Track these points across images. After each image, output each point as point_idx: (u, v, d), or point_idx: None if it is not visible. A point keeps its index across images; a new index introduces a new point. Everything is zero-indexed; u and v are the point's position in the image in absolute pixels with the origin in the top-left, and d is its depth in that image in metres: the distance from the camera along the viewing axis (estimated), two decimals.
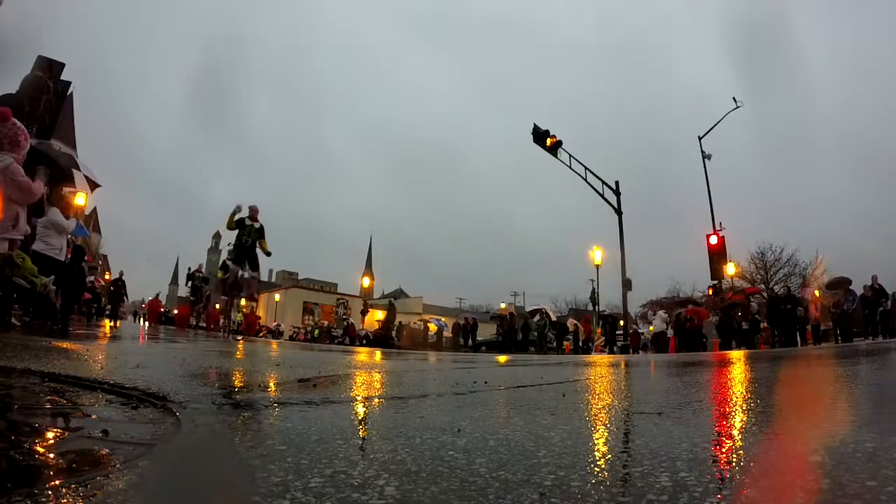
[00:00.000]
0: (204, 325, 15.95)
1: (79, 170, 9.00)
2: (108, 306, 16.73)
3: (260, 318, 19.88)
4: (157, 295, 22.94)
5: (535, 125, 15.65)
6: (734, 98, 16.71)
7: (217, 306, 14.66)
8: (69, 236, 6.51)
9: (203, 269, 18.11)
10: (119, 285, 16.57)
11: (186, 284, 17.58)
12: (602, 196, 15.34)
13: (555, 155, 15.41)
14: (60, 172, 7.77)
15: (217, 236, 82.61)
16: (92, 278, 14.11)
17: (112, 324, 11.99)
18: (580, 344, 17.81)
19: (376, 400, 1.86)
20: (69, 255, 6.62)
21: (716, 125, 17.06)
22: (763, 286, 25.00)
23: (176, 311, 22.91)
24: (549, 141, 15.22)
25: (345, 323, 22.97)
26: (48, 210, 5.99)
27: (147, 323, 19.23)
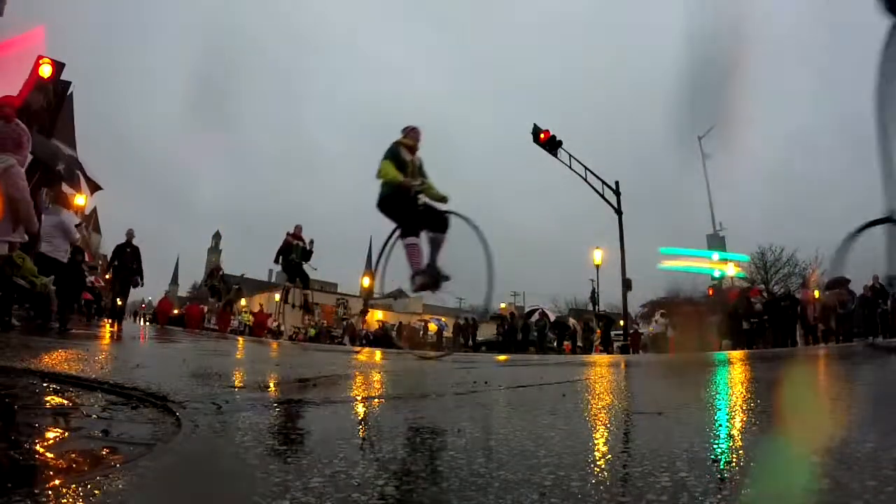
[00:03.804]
0: (216, 326, 15.34)
1: (81, 171, 9.00)
2: (108, 301, 11.69)
3: (270, 316, 18.36)
4: (167, 294, 22.47)
5: (535, 125, 15.67)
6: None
7: (220, 307, 14.19)
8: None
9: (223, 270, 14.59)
10: (129, 255, 9.29)
11: (205, 284, 14.86)
12: (602, 196, 15.37)
13: (554, 155, 15.43)
14: (57, 173, 7.78)
15: (217, 236, 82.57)
16: (92, 278, 13.68)
17: (114, 325, 8.92)
18: (578, 344, 17.82)
19: (376, 400, 1.86)
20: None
21: (715, 125, 17.11)
22: (763, 286, 25.00)
23: (177, 311, 22.61)
24: (542, 136, 15.26)
25: (344, 323, 22.99)
26: (62, 212, 6.14)
27: (151, 324, 18.94)
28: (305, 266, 9.62)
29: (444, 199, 4.92)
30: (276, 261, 9.74)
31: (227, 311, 14.23)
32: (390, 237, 4.95)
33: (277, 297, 12.09)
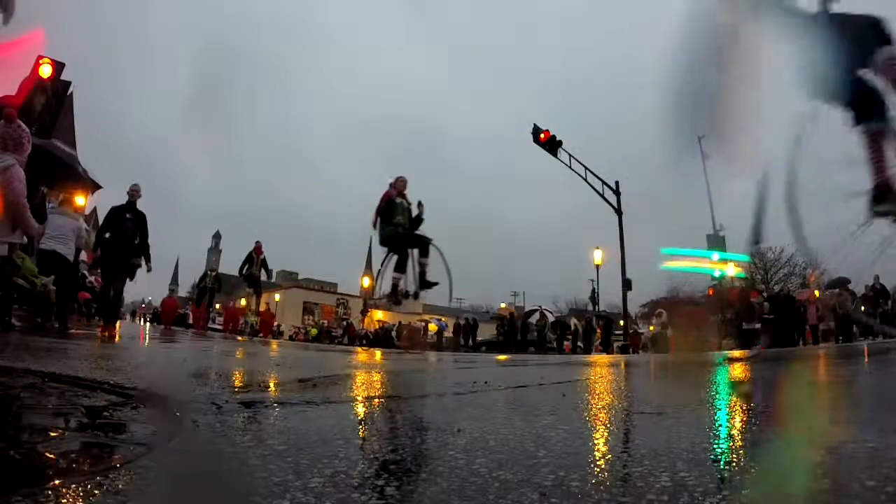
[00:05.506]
0: (220, 326, 15.32)
1: (81, 170, 9.01)
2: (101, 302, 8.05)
3: (275, 317, 17.99)
4: (171, 293, 21.94)
5: (535, 125, 15.66)
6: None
7: (236, 304, 13.97)
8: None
9: (216, 271, 13.93)
10: (129, 225, 5.91)
11: (200, 284, 13.76)
12: (602, 196, 15.36)
13: (554, 155, 15.43)
14: (64, 172, 7.83)
15: (217, 236, 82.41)
16: (91, 278, 13.60)
17: (104, 329, 5.87)
18: (579, 344, 17.82)
19: (376, 400, 1.86)
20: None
21: (715, 125, 17.07)
22: (763, 286, 24.98)
23: (180, 311, 22.51)
24: (542, 136, 15.25)
25: (344, 323, 22.96)
26: (80, 218, 6.32)
27: (152, 324, 18.88)
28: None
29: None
30: (375, 225, 6.79)
31: (233, 308, 14.05)
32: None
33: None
